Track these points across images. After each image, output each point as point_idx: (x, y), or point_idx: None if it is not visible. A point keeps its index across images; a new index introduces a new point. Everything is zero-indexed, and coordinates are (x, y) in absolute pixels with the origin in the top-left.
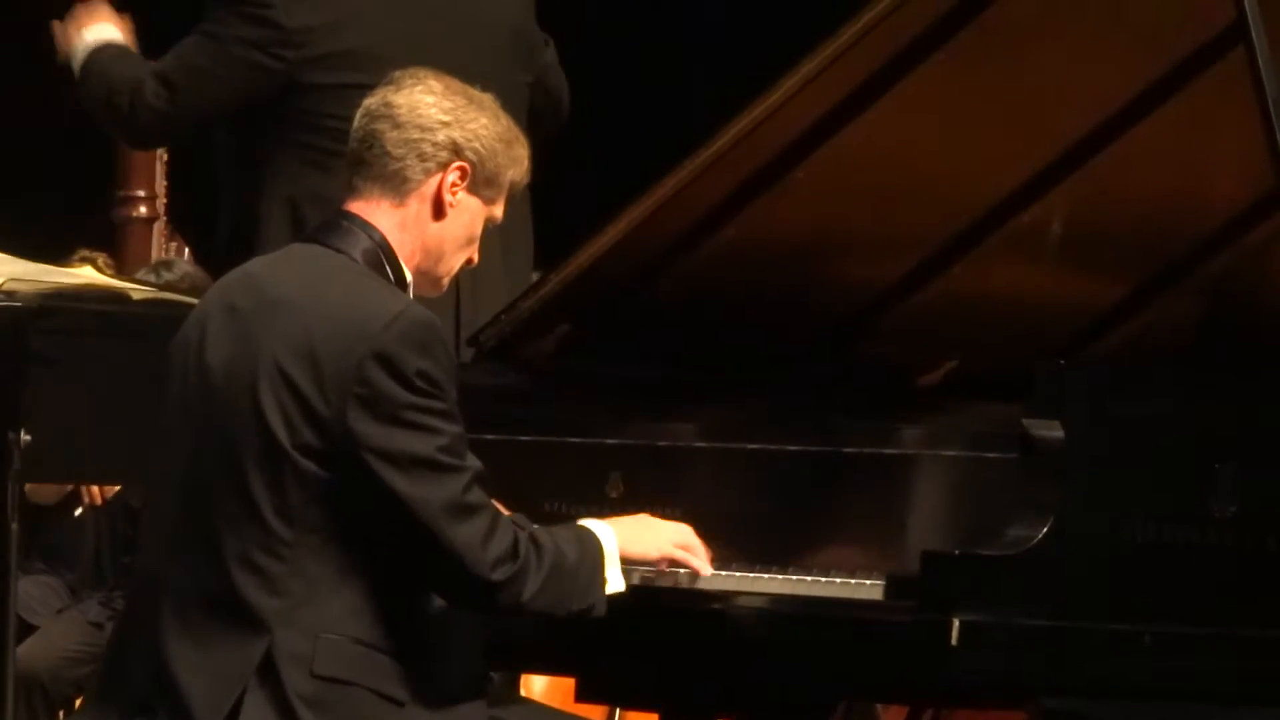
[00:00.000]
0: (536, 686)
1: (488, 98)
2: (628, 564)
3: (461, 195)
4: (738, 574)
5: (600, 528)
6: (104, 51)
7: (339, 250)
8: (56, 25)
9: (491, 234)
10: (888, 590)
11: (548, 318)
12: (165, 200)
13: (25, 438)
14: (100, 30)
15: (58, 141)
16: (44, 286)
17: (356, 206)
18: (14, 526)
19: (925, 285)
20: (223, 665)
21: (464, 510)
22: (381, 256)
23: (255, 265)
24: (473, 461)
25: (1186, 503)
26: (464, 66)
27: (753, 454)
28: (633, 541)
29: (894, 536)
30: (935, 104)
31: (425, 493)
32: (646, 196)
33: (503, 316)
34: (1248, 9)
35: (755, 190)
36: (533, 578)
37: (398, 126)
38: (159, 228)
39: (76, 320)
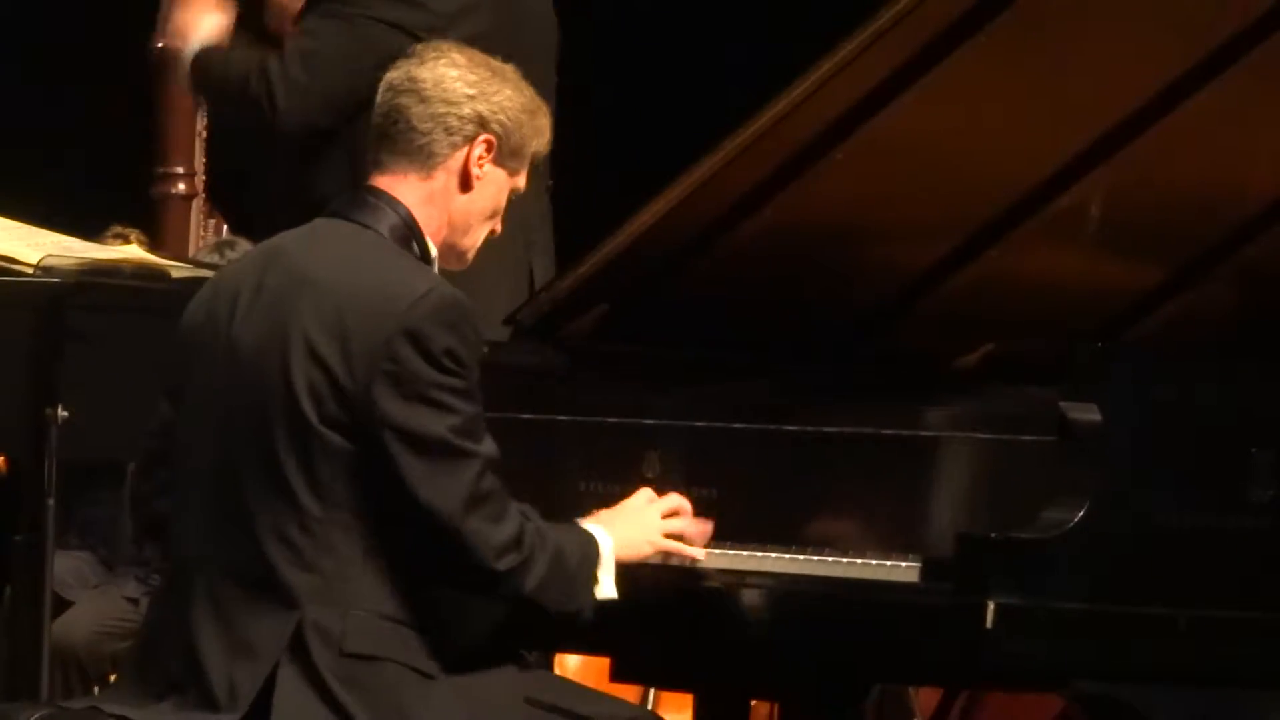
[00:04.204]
0: (571, 666)
1: (510, 68)
2: (624, 566)
3: (488, 167)
4: (773, 555)
5: (599, 532)
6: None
7: (366, 226)
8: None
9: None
10: (923, 573)
11: (586, 297)
12: (204, 177)
13: (62, 414)
14: (209, 22)
15: (97, 117)
16: (82, 262)
17: (382, 181)
18: (50, 502)
19: (963, 268)
20: (250, 644)
21: (475, 499)
22: (408, 231)
23: (283, 240)
24: (488, 447)
25: (1223, 487)
26: (534, 58)
27: (789, 435)
28: (627, 547)
29: (930, 519)
30: (974, 87)
31: (438, 476)
32: (685, 177)
33: (541, 295)
34: None
35: (793, 173)
36: (535, 571)
37: (424, 101)
38: (198, 204)
39: (114, 297)
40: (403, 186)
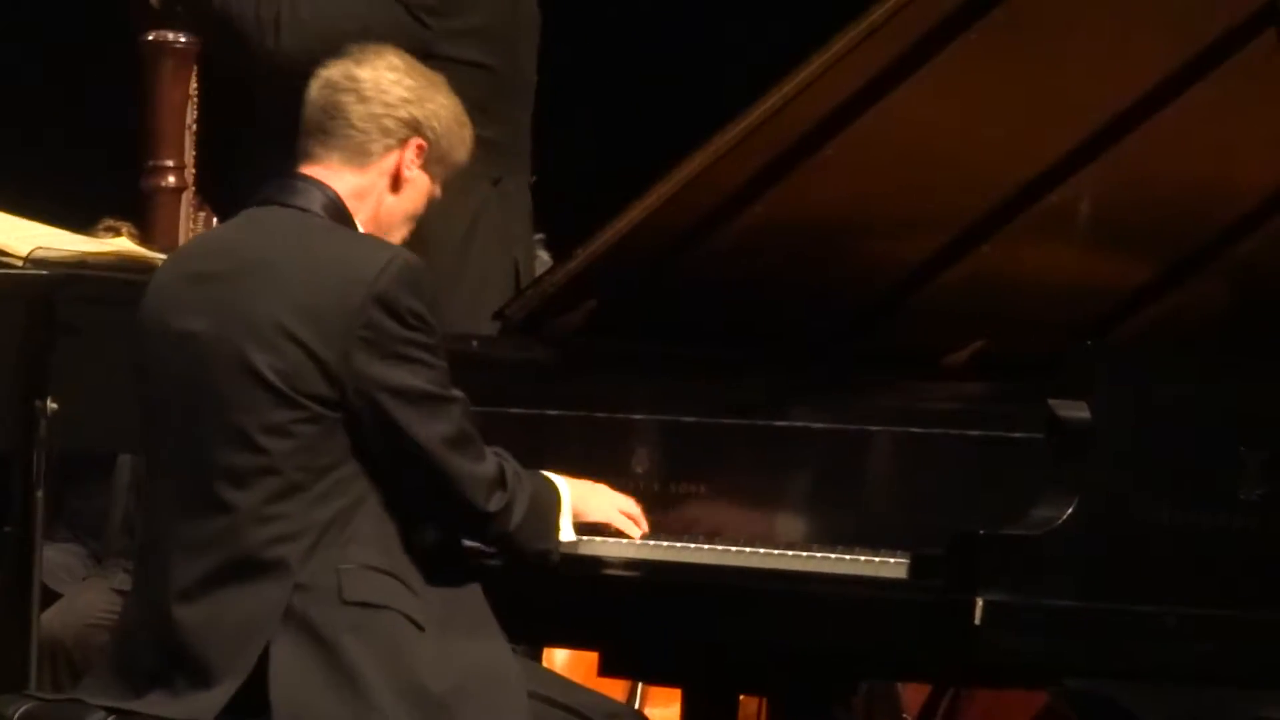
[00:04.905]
0: (559, 660)
1: (439, 78)
2: (575, 521)
3: (416, 171)
4: (761, 551)
5: (556, 479)
6: None
7: (300, 208)
8: None
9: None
10: (912, 569)
11: (575, 292)
12: (194, 170)
13: (52, 406)
14: None
15: (86, 109)
16: (72, 255)
17: (312, 170)
18: (39, 494)
19: (953, 264)
20: (241, 620)
21: (462, 440)
22: (338, 211)
23: (214, 235)
24: (459, 393)
25: (1212, 485)
26: (527, 53)
27: (778, 431)
28: (583, 499)
29: (919, 515)
30: (966, 83)
31: (429, 425)
32: (676, 172)
33: (530, 290)
34: None
35: (785, 168)
36: (518, 508)
37: (363, 100)
38: (187, 198)
39: (104, 289)
40: (334, 178)
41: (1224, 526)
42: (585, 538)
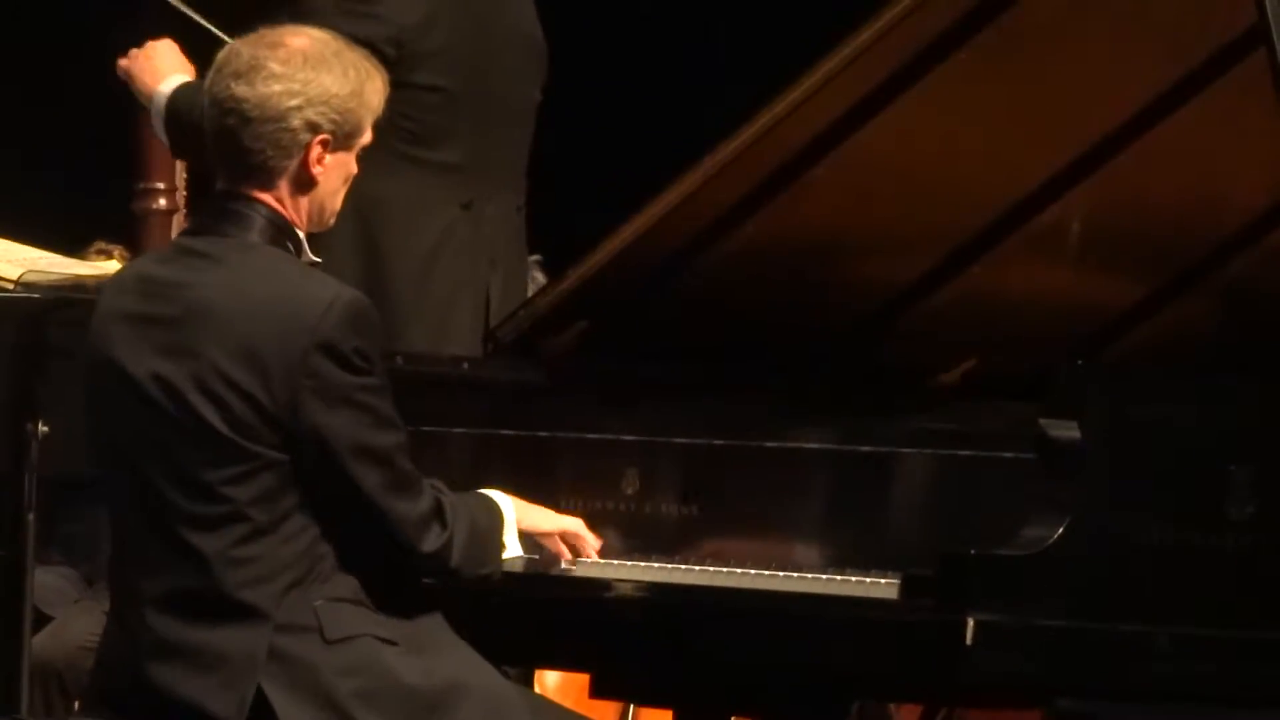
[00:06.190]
0: (550, 682)
1: (328, 50)
2: (522, 535)
3: (328, 158)
4: (752, 572)
5: (499, 496)
6: (186, 89)
7: (238, 236)
8: (124, 65)
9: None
10: (903, 589)
11: (566, 313)
12: (185, 193)
13: (43, 429)
14: (175, 80)
15: (77, 132)
16: (63, 278)
17: (237, 188)
18: (30, 518)
19: (944, 284)
20: (220, 661)
21: (401, 484)
22: (278, 231)
23: (154, 268)
24: (401, 434)
25: (1203, 504)
26: (504, 76)
27: (769, 452)
28: (528, 513)
29: (910, 535)
30: (956, 103)
31: (370, 472)
32: (666, 193)
33: (521, 312)
34: (1269, 11)
35: (775, 188)
36: (457, 543)
37: (249, 122)
38: (178, 220)
39: None
40: (257, 194)
41: (1215, 545)
42: (579, 560)
